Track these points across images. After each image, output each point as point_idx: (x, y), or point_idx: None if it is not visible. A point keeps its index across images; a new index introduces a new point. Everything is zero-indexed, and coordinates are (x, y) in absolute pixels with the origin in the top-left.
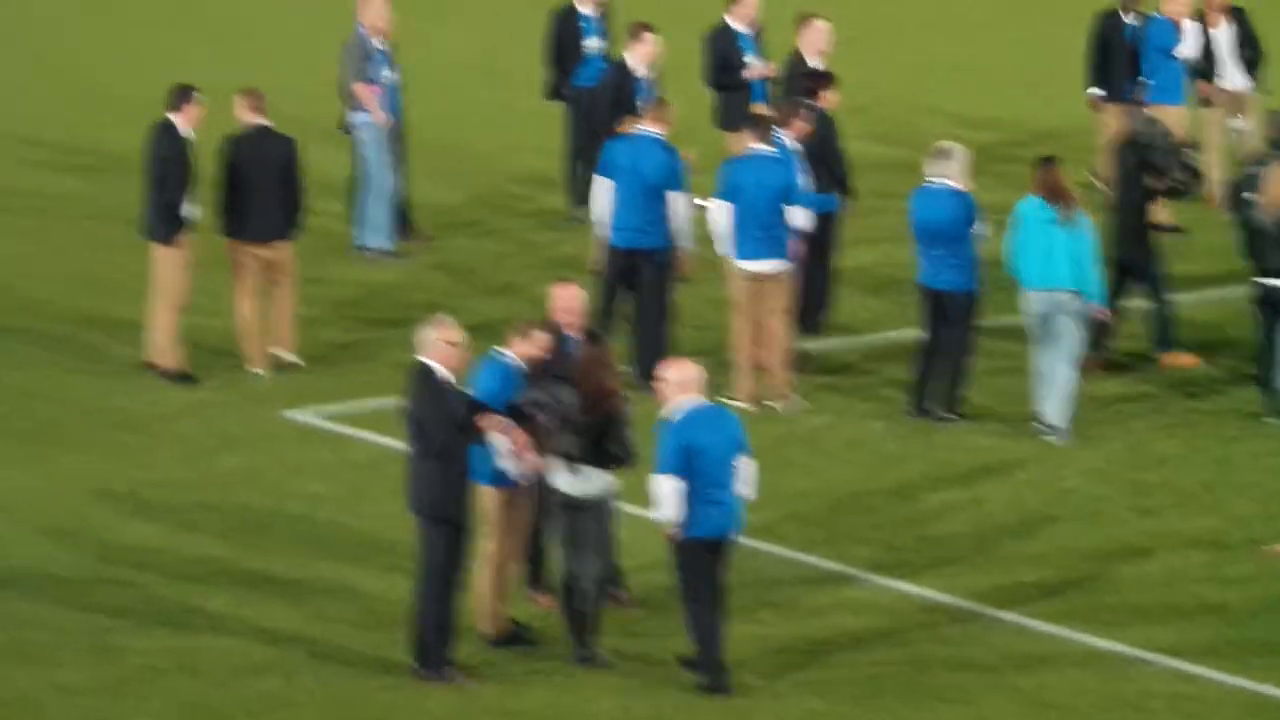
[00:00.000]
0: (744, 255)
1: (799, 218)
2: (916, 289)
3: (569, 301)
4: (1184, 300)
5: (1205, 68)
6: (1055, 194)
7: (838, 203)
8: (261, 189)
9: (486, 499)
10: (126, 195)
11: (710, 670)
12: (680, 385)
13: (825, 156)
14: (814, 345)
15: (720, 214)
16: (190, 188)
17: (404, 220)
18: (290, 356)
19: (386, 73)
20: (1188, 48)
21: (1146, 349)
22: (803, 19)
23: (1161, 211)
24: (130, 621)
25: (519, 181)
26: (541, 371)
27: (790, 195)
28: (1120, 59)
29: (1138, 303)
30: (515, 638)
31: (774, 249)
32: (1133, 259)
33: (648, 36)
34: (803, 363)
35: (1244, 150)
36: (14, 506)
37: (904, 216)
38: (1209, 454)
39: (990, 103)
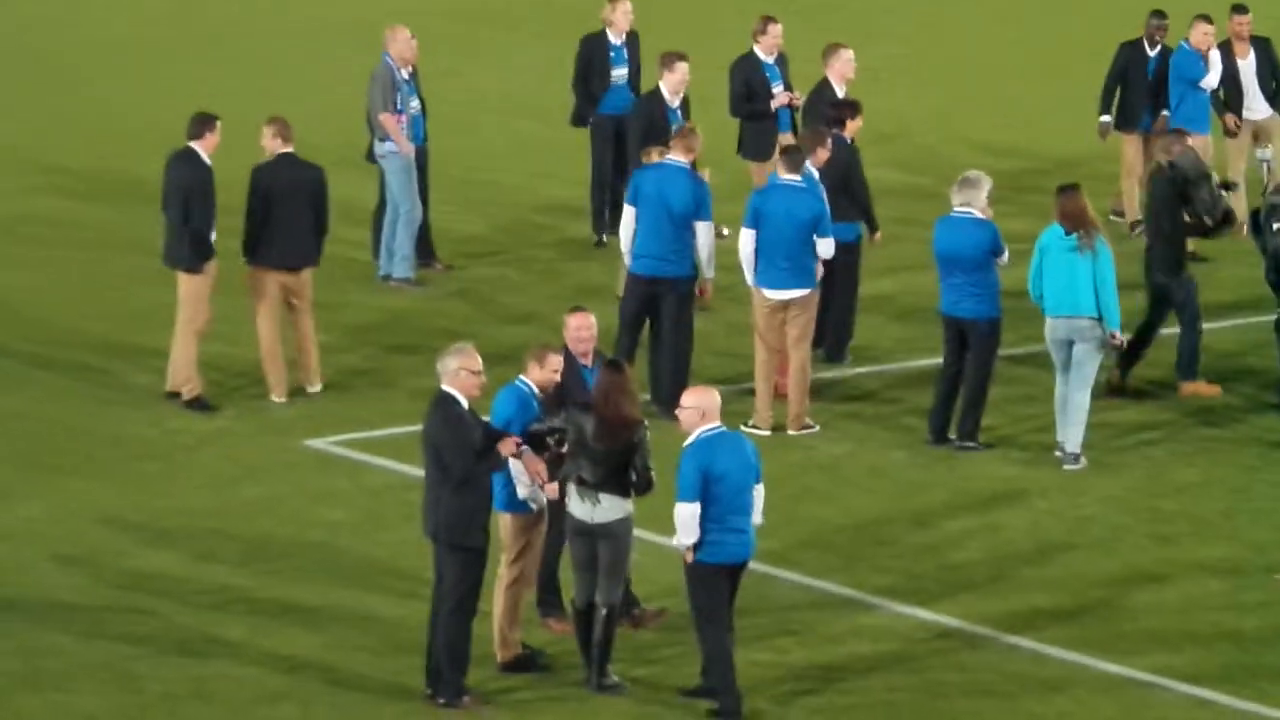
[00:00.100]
0: (767, 283)
1: (825, 248)
2: (938, 317)
3: (581, 329)
4: (1205, 329)
5: (1231, 97)
6: (1076, 222)
7: (860, 231)
8: (288, 216)
9: (503, 525)
10: (150, 224)
11: (723, 695)
12: (701, 412)
13: (849, 185)
14: (837, 373)
15: (745, 241)
16: (214, 215)
17: (425, 248)
18: (314, 387)
19: (414, 103)
20: (1213, 78)
21: (1165, 376)
22: (830, 47)
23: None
24: (148, 649)
25: (543, 211)
26: (560, 398)
27: (820, 226)
28: (1139, 89)
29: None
30: (528, 663)
31: (798, 278)
32: (1167, 288)
33: (680, 66)
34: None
35: (1269, 179)
36: (33, 534)
37: (928, 245)
38: (1228, 482)
39: (1015, 132)
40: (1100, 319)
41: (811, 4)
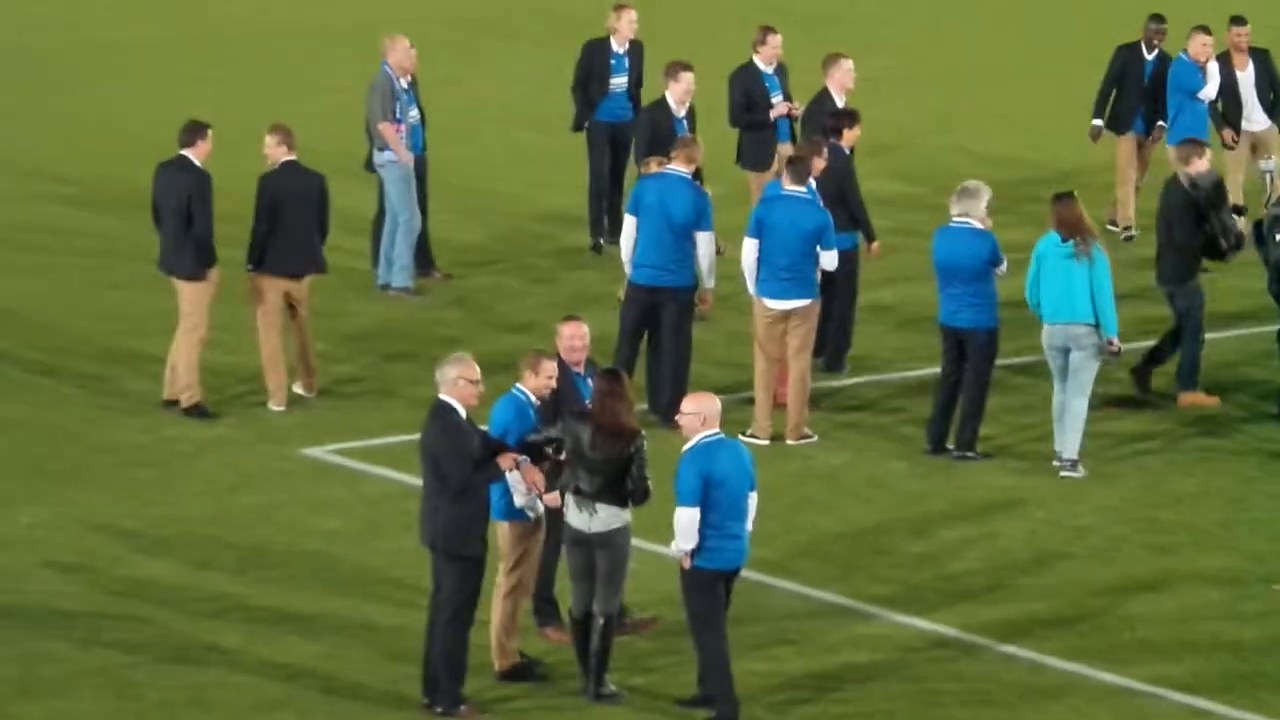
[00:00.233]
0: (768, 293)
1: (829, 261)
2: (937, 327)
3: (574, 338)
4: (1204, 339)
5: (1229, 109)
6: (1072, 228)
7: (856, 241)
8: (293, 224)
9: (501, 533)
10: (150, 231)
11: (721, 702)
12: (702, 417)
13: (843, 195)
14: (836, 383)
15: (748, 251)
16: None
17: (424, 257)
18: (309, 394)
19: (413, 112)
20: (1211, 90)
21: (1164, 386)
22: (830, 57)
23: None
24: (146, 657)
25: (541, 220)
26: (555, 407)
27: (823, 238)
28: (1134, 92)
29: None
30: (525, 672)
31: (799, 288)
32: (1172, 296)
33: (684, 76)
34: (820, 400)
35: (1271, 191)
36: (30, 542)
37: (927, 255)
38: (1226, 493)
39: (1014, 143)
40: (1097, 326)
41: (811, 15)
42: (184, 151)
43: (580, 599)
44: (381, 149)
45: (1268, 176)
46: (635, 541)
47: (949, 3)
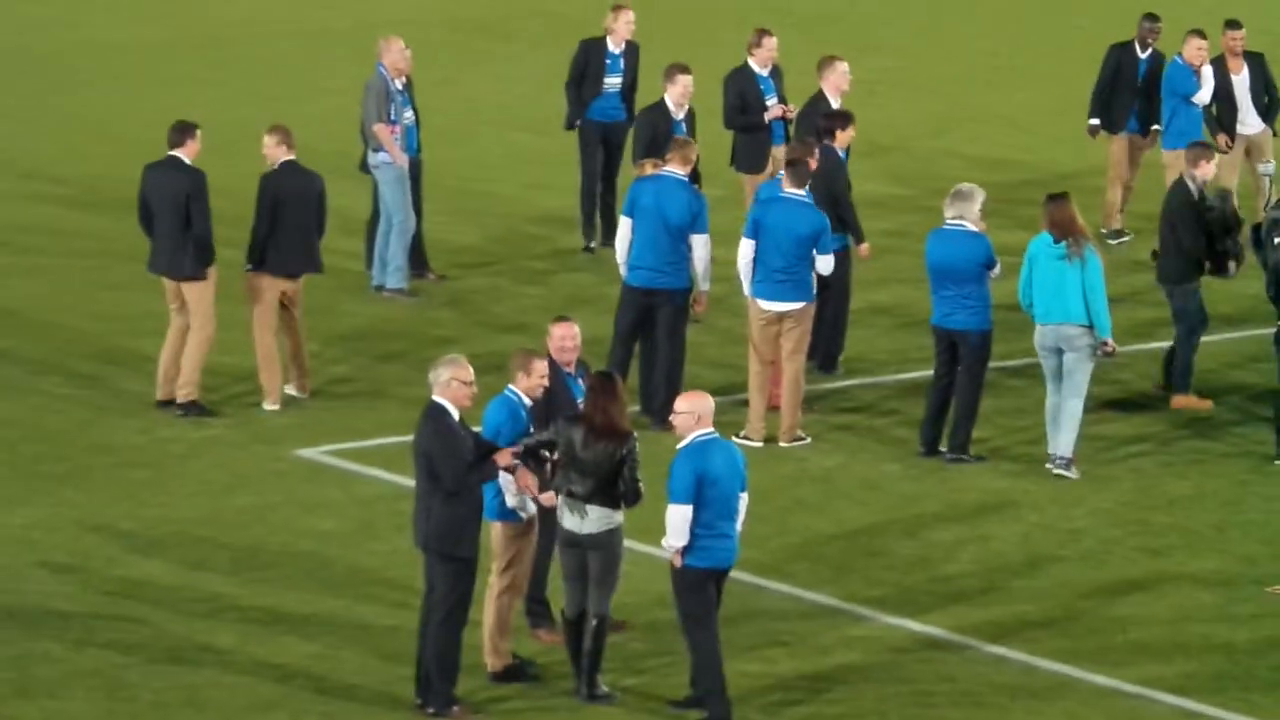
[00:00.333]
0: (763, 295)
1: (824, 265)
2: (930, 330)
3: (565, 339)
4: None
5: (1223, 113)
6: (1064, 230)
7: (847, 242)
8: (293, 223)
9: (494, 534)
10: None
11: (713, 701)
12: (696, 416)
13: (833, 196)
14: (829, 385)
15: (744, 252)
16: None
17: (418, 258)
18: (303, 394)
19: (408, 113)
20: (1205, 94)
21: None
22: (825, 59)
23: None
24: (139, 658)
25: (537, 221)
26: (547, 407)
27: (820, 242)
28: (1128, 91)
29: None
30: (518, 673)
31: (794, 291)
32: (1170, 295)
33: (681, 78)
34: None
35: (1271, 193)
36: (23, 542)
37: (921, 257)
38: (1219, 495)
39: (1009, 146)
40: (1090, 327)
41: (809, 16)
42: (174, 152)
43: (573, 600)
44: (376, 150)
45: (1266, 180)
46: (628, 543)
47: (946, 5)
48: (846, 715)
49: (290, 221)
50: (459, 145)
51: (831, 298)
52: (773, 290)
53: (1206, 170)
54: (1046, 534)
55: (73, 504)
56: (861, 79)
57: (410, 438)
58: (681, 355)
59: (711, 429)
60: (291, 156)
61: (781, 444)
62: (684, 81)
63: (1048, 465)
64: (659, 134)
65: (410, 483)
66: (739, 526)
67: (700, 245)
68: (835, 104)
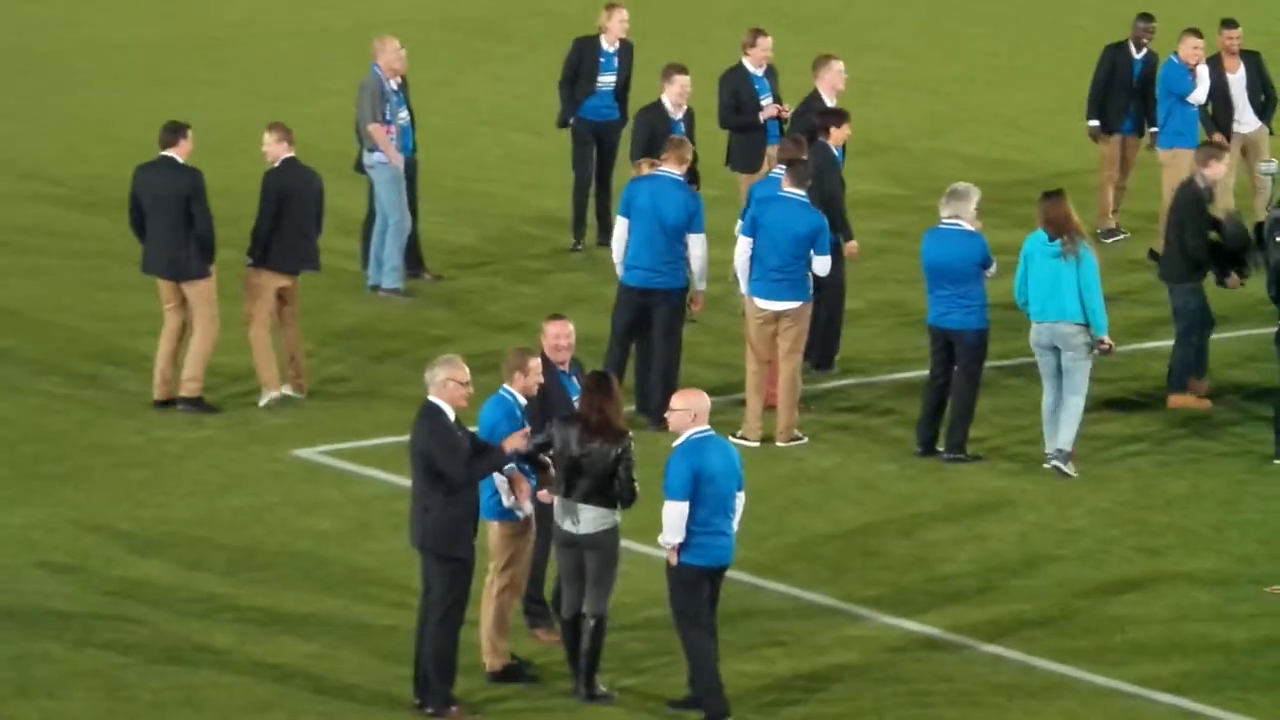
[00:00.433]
0: (759, 293)
1: (821, 266)
2: (926, 329)
3: (560, 337)
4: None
5: (1219, 112)
6: (1059, 227)
7: (837, 240)
8: (295, 220)
9: (491, 533)
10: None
11: (709, 697)
12: (692, 414)
13: (822, 194)
14: (826, 385)
15: (741, 249)
16: None
17: (414, 258)
18: (299, 394)
19: (403, 114)
20: (1200, 94)
21: (1155, 388)
22: (820, 59)
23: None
24: (137, 658)
25: (533, 222)
26: (542, 405)
27: (817, 243)
28: (1123, 92)
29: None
30: (517, 673)
31: (791, 290)
32: (1170, 292)
33: (677, 78)
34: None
35: (1272, 193)
36: (22, 542)
37: (917, 257)
38: (1217, 495)
39: (1005, 145)
40: (1085, 325)
41: (805, 17)
42: (168, 152)
43: (570, 601)
44: (371, 150)
45: (1267, 179)
46: (625, 543)
47: (943, 5)
48: (843, 715)
49: (292, 218)
50: (456, 145)
51: (825, 296)
52: (769, 289)
53: (1216, 170)
54: (1044, 533)
55: (71, 504)
56: (858, 79)
57: (407, 438)
58: (678, 355)
59: (708, 427)
60: (292, 153)
61: (778, 444)
62: (681, 82)
63: (1045, 465)
64: (657, 134)
65: (407, 483)
66: (735, 525)
67: (697, 245)
68: (830, 104)
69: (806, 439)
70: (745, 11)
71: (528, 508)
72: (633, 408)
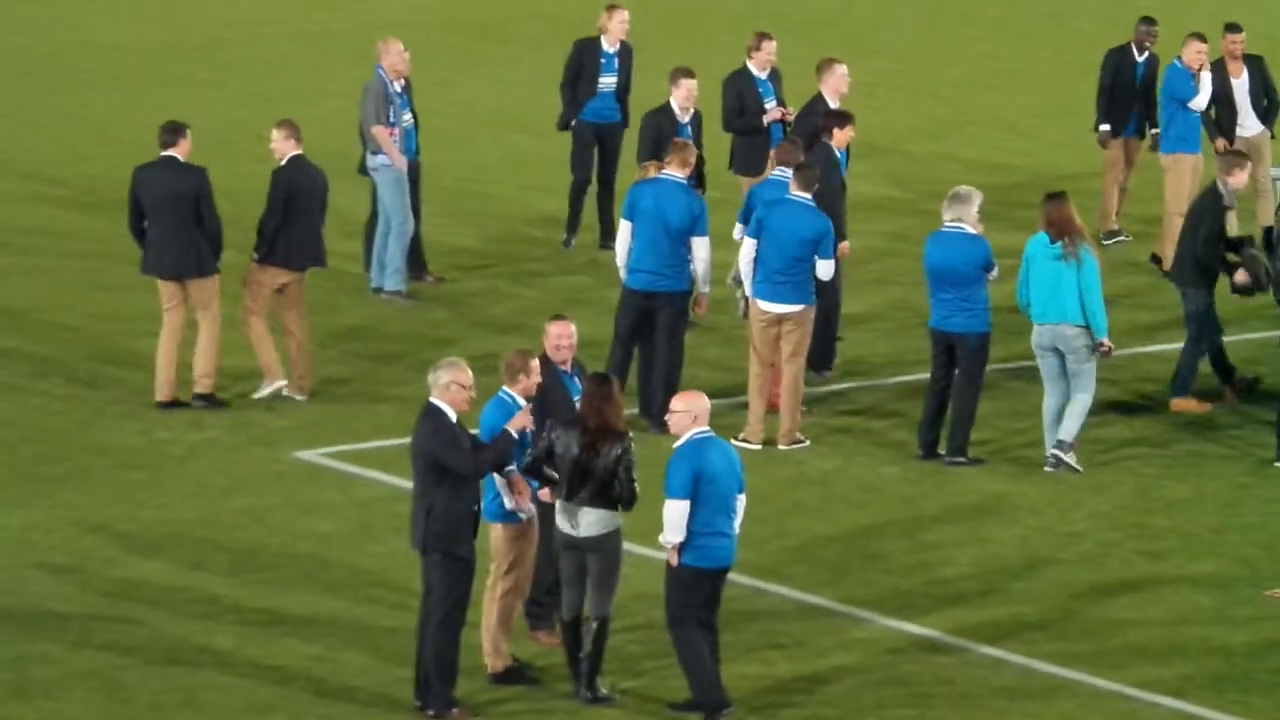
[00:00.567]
0: (763, 295)
1: (824, 270)
2: (928, 332)
3: (561, 337)
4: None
5: (1223, 117)
6: (1061, 229)
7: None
8: (303, 217)
9: (494, 536)
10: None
11: (709, 698)
12: (693, 415)
13: (819, 194)
14: (827, 388)
15: (746, 251)
16: None
17: (416, 260)
18: (301, 396)
19: (407, 116)
20: (1203, 99)
21: (1157, 391)
22: (824, 62)
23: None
24: (137, 659)
25: (534, 223)
26: (543, 405)
27: (821, 246)
28: (1126, 95)
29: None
30: (518, 675)
31: (795, 293)
32: (1183, 295)
33: (684, 82)
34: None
35: (1277, 196)
36: (22, 543)
37: (919, 260)
38: (1218, 499)
39: (1007, 148)
40: (1086, 327)
41: (807, 20)
42: (169, 152)
43: (571, 603)
44: (375, 152)
45: (1277, 184)
46: (626, 545)
47: (945, 9)
48: (844, 717)
49: (300, 215)
50: (457, 147)
51: (823, 298)
52: (771, 292)
53: (1239, 179)
54: (1045, 537)
55: (71, 505)
56: (860, 82)
57: (408, 440)
58: (680, 358)
59: (708, 428)
60: (299, 151)
61: (780, 447)
62: (688, 85)
63: (1047, 455)
64: (664, 137)
65: (409, 484)
66: (736, 528)
67: (701, 248)
68: (834, 107)
69: (808, 442)
70: (747, 15)
71: (530, 509)
72: (635, 410)
